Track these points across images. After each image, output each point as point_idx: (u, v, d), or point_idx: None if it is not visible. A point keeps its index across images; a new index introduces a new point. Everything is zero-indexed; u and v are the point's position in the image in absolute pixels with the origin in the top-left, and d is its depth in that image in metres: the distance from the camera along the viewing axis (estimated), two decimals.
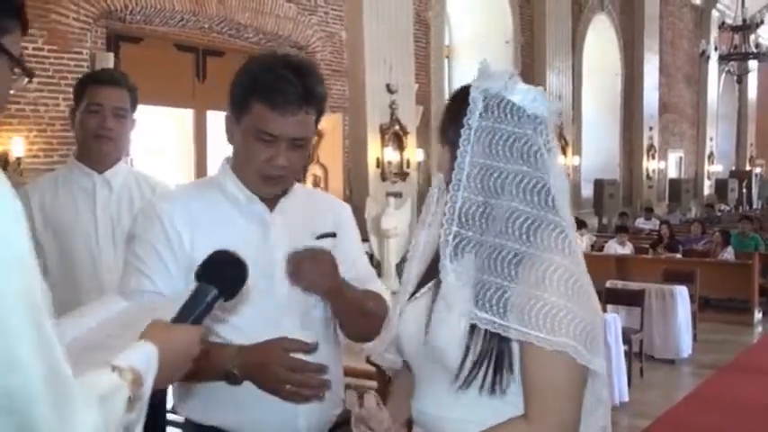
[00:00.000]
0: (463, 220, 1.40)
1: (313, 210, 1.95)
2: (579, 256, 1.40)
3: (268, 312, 1.79)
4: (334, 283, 1.79)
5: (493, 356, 1.37)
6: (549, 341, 1.30)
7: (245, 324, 1.78)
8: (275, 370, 1.65)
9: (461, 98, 1.46)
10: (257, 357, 1.67)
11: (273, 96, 1.69)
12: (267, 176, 1.77)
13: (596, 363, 1.34)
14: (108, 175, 2.49)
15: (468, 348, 1.37)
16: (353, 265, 1.95)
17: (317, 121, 1.81)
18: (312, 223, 1.91)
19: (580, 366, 1.34)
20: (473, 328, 1.36)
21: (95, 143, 2.46)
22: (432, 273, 1.51)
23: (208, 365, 1.68)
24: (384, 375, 3.23)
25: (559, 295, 1.33)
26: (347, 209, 2.07)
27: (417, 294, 1.54)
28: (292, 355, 1.68)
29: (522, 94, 1.43)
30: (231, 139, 1.81)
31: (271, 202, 1.84)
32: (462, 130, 1.41)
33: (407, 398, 1.57)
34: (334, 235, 1.93)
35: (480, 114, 1.41)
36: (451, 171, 1.42)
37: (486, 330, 1.35)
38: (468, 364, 1.37)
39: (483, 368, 1.37)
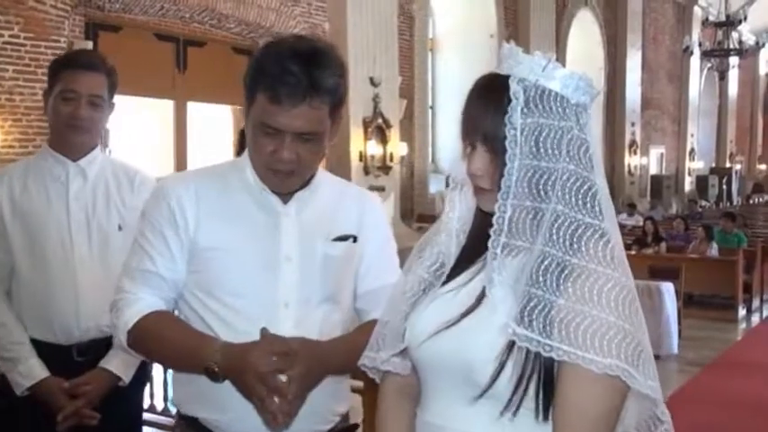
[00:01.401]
0: (513, 230, 1.26)
1: (338, 206, 1.81)
2: (628, 268, 1.26)
3: (263, 309, 1.68)
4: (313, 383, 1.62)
5: (534, 377, 1.22)
6: (597, 363, 1.16)
7: (237, 320, 1.68)
8: (249, 379, 1.52)
9: (495, 89, 1.29)
10: (238, 360, 1.54)
11: (275, 88, 1.58)
12: (274, 170, 1.67)
13: (651, 386, 1.21)
14: (83, 164, 2.33)
15: (502, 365, 1.23)
16: (367, 277, 1.82)
17: (334, 112, 1.66)
18: (332, 222, 1.78)
19: (624, 393, 1.21)
20: (512, 343, 1.22)
21: (68, 132, 2.31)
22: (456, 270, 1.38)
23: (191, 357, 1.61)
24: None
25: (609, 312, 1.18)
26: (375, 204, 1.90)
27: (442, 291, 1.38)
28: (275, 358, 1.54)
29: (562, 80, 1.27)
30: (247, 129, 1.72)
31: (289, 195, 1.74)
32: (507, 130, 1.25)
33: (409, 402, 1.44)
34: (354, 239, 1.80)
35: (522, 110, 1.26)
36: (494, 174, 1.28)
37: (527, 348, 1.21)
38: (505, 382, 1.23)
39: (523, 389, 1.22)
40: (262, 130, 1.62)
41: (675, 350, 7.85)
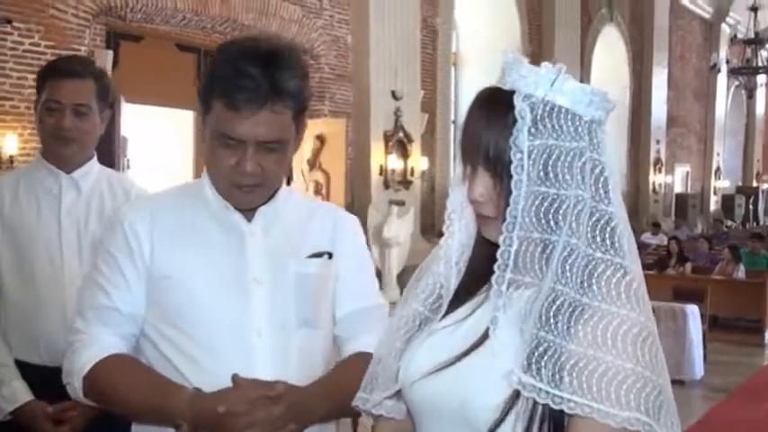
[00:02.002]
0: (520, 264, 1.12)
1: (309, 221, 1.65)
2: (648, 307, 1.12)
3: (234, 339, 1.50)
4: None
5: (541, 431, 1.09)
6: (614, 416, 1.03)
7: (205, 357, 1.49)
8: (232, 424, 1.36)
9: (497, 106, 1.15)
10: (210, 413, 1.37)
11: (231, 93, 1.42)
12: (236, 185, 1.51)
13: None
14: (77, 176, 2.21)
15: (505, 414, 1.09)
16: (345, 299, 1.66)
17: (298, 118, 1.51)
18: (303, 239, 1.62)
19: None
20: (517, 392, 1.08)
21: (56, 144, 2.19)
22: (455, 304, 1.24)
23: (156, 410, 1.44)
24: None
25: (626, 357, 1.05)
26: (352, 221, 1.75)
27: (439, 326, 1.24)
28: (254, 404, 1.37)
29: (573, 95, 1.13)
30: (204, 141, 1.57)
31: (253, 211, 1.58)
32: (512, 153, 1.12)
33: None
34: (329, 255, 1.63)
35: (530, 131, 1.12)
36: (498, 200, 1.15)
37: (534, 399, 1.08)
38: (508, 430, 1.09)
39: None
40: (220, 141, 1.47)
41: (700, 375, 7.64)
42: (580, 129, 1.12)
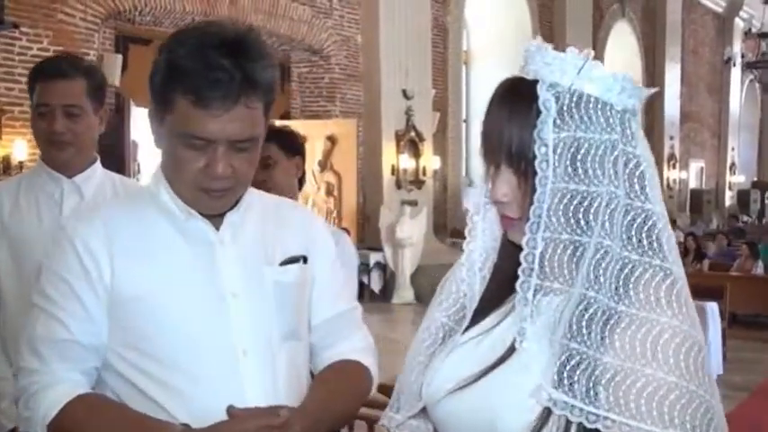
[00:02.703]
0: (547, 269, 1.02)
1: (278, 225, 1.49)
2: (694, 314, 1.01)
3: (219, 362, 1.34)
4: None
5: None
6: None
7: (187, 384, 1.32)
8: None
9: (520, 97, 1.05)
10: None
11: (200, 89, 1.25)
12: (205, 189, 1.33)
13: None
14: (79, 181, 2.11)
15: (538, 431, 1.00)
16: (321, 305, 1.52)
17: (267, 112, 1.35)
18: (275, 244, 1.46)
19: None
20: (548, 409, 0.99)
21: (50, 149, 2.09)
22: (480, 313, 1.14)
23: None
24: None
25: (669, 369, 0.95)
26: (319, 220, 1.63)
27: (463, 339, 1.14)
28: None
29: (603, 82, 1.03)
30: (158, 142, 1.38)
31: (217, 217, 1.40)
32: (536, 147, 1.02)
33: None
34: (304, 260, 1.48)
35: (555, 122, 1.02)
36: (524, 200, 1.05)
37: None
38: None
39: None
40: (185, 142, 1.29)
41: (719, 373, 7.52)
42: (611, 119, 1.02)
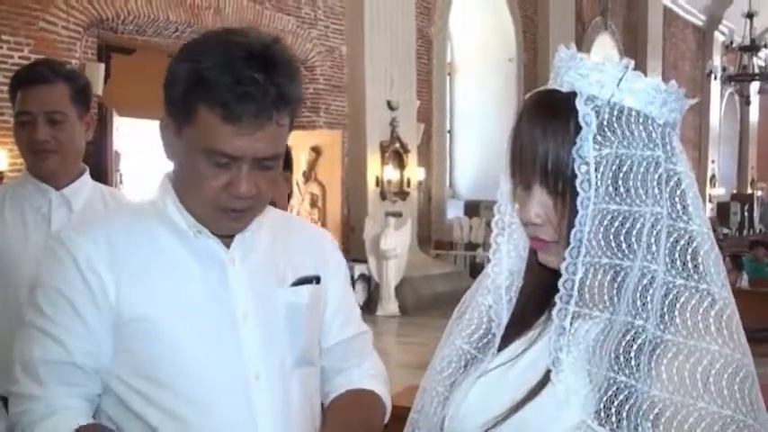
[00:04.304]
0: (586, 296, 0.95)
1: (290, 244, 1.42)
2: (744, 340, 0.95)
3: (230, 388, 1.26)
4: None
5: None
6: None
7: (195, 414, 1.24)
8: None
9: (555, 111, 0.98)
10: None
11: (229, 103, 1.16)
12: (224, 209, 1.24)
13: None
14: (67, 192, 2.03)
15: None
16: (334, 327, 1.46)
17: (290, 129, 1.28)
18: (286, 264, 1.38)
19: None
20: None
21: (34, 159, 2.00)
22: (506, 340, 1.07)
23: None
24: None
25: (723, 402, 0.89)
26: (329, 237, 1.56)
27: (489, 367, 1.07)
28: None
29: (644, 94, 0.96)
30: (171, 154, 1.29)
31: (227, 237, 1.32)
32: (575, 166, 0.95)
33: None
34: (317, 280, 1.41)
35: (596, 139, 0.95)
36: (560, 222, 0.98)
37: None
38: None
39: None
40: (209, 158, 1.20)
41: None
42: (654, 134, 0.96)
